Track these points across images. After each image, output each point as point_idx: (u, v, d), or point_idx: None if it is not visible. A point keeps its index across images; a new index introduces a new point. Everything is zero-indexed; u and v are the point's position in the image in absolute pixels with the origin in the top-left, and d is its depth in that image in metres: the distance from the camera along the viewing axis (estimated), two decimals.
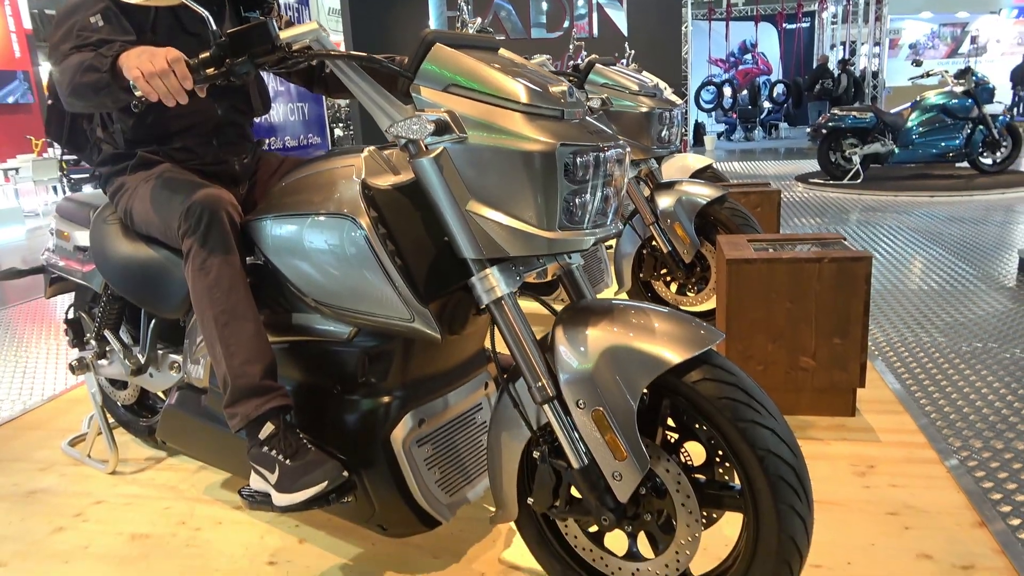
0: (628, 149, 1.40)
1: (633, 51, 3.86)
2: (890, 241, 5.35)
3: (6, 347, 3.83)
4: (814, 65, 15.79)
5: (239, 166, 1.89)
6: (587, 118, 1.41)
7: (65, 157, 11.22)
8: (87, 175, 10.65)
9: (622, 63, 3.83)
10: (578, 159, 1.29)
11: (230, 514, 2.01)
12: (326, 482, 1.45)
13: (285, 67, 1.43)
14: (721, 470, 1.37)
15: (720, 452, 1.35)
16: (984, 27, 17.53)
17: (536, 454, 1.43)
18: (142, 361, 2.00)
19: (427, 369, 1.63)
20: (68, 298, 2.38)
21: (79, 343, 2.33)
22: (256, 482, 1.55)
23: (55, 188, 10.75)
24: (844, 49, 16.49)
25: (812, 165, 9.68)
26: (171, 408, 1.94)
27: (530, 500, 1.47)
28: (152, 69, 1.33)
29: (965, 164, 7.86)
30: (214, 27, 1.34)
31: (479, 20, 3.03)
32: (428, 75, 1.37)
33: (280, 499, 1.47)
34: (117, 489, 2.18)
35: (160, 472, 2.27)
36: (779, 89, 16.01)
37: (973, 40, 17.47)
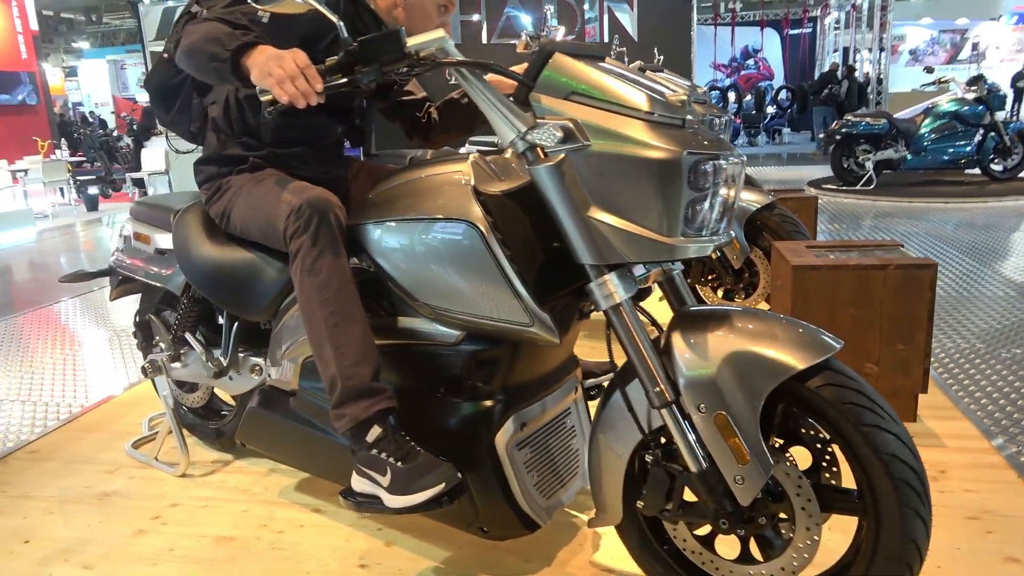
0: (744, 158, 1.43)
1: (662, 56, 3.89)
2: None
3: (48, 349, 3.83)
4: (821, 70, 15.88)
5: (340, 178, 1.92)
6: (700, 126, 1.43)
7: (71, 159, 11.20)
8: (93, 176, 10.63)
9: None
10: (700, 167, 1.32)
11: (310, 517, 2.02)
12: (443, 484, 1.46)
13: (409, 75, 1.45)
14: (828, 474, 1.39)
15: (827, 457, 1.37)
16: (984, 34, 17.67)
17: (649, 458, 1.45)
18: (224, 364, 2.01)
19: (527, 373, 1.65)
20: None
21: (148, 346, 2.34)
22: (361, 484, 1.56)
23: (62, 190, 10.72)
24: (849, 54, 16.58)
25: (819, 171, 9.75)
26: (255, 411, 1.95)
27: (639, 503, 1.48)
28: (283, 73, 1.35)
29: (976, 171, 7.93)
30: (345, 34, 1.35)
31: (562, 29, 3.05)
32: (549, 84, 1.39)
33: (393, 501, 1.48)
34: (190, 492, 2.19)
35: (231, 475, 2.28)
36: (784, 94, 16.10)
37: (973, 47, 17.60)
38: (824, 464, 1.38)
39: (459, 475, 1.50)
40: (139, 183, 10.28)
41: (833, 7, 16.65)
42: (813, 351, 1.29)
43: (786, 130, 16.71)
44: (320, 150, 1.89)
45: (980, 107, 7.46)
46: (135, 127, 12.52)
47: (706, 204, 1.34)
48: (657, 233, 1.33)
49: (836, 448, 1.35)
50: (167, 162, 9.29)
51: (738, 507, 1.37)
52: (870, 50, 19.07)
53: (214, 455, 2.39)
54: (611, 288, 1.38)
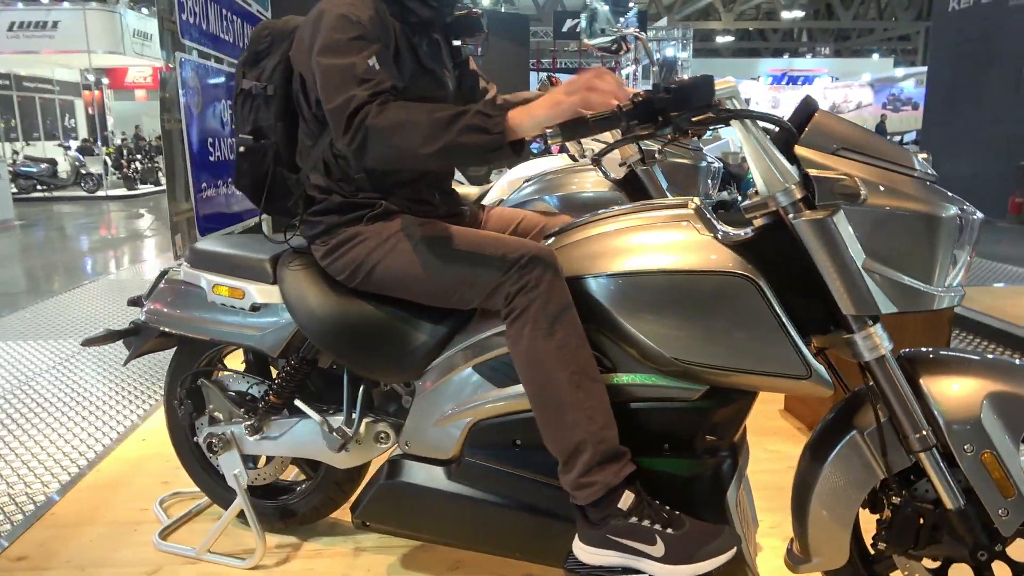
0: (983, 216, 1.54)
1: None
2: None
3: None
4: None
5: (462, 216, 1.78)
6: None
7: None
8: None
9: None
10: (965, 222, 1.41)
11: None
12: (733, 549, 1.40)
13: (702, 128, 1.40)
14: None
15: None
16: (747, 91, 20.33)
17: (896, 499, 1.50)
18: (350, 433, 1.76)
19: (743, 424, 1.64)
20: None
21: (196, 415, 1.97)
22: (604, 556, 1.45)
23: None
24: None
25: None
26: (392, 485, 1.72)
27: (881, 545, 1.53)
28: (609, 87, 1.32)
29: None
30: (615, 71, 1.29)
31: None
32: (815, 137, 1.42)
33: (671, 571, 1.39)
34: None
35: (312, 561, 1.97)
36: None
37: (745, 101, 20.20)
38: None
39: (740, 537, 1.45)
40: None
41: (627, 61, 18.27)
42: None
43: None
44: (437, 187, 1.76)
45: None
46: None
47: (963, 257, 1.44)
48: (925, 284, 1.40)
49: None
50: None
51: (997, 539, 1.46)
52: None
53: (273, 539, 2.06)
54: (877, 340, 1.42)
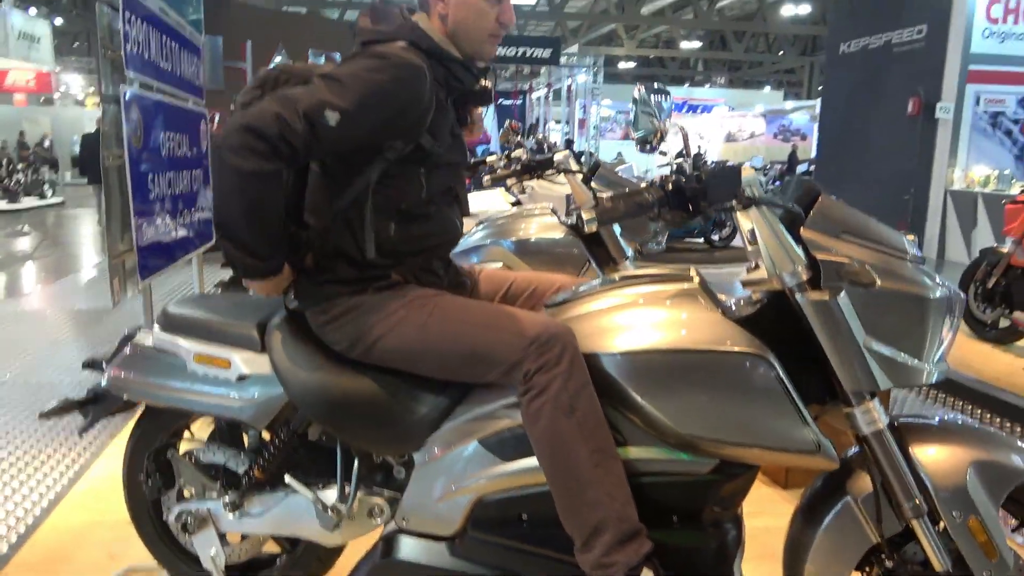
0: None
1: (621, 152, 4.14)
2: None
3: None
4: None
5: (465, 286, 1.76)
6: None
7: None
8: None
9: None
10: (955, 303, 1.52)
11: None
12: None
13: (720, 215, 1.43)
14: None
15: None
16: None
17: (889, 563, 1.58)
18: (344, 510, 1.69)
19: None
20: None
21: (163, 490, 1.85)
22: None
23: None
24: (538, 127, 18.48)
25: None
26: (390, 563, 1.66)
27: None
28: None
29: (700, 239, 9.41)
30: (687, 168, 1.31)
31: None
32: (820, 221, 1.49)
33: None
34: None
35: None
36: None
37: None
38: None
39: None
40: None
41: (539, 84, 18.66)
42: None
43: None
44: (444, 256, 1.74)
45: None
46: None
47: (949, 335, 1.54)
48: (917, 360, 1.49)
49: None
50: None
51: None
52: (557, 121, 21.54)
53: None
54: (875, 415, 1.50)
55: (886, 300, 1.47)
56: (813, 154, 15.78)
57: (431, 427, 1.64)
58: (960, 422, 1.68)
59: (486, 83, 1.75)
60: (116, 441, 3.03)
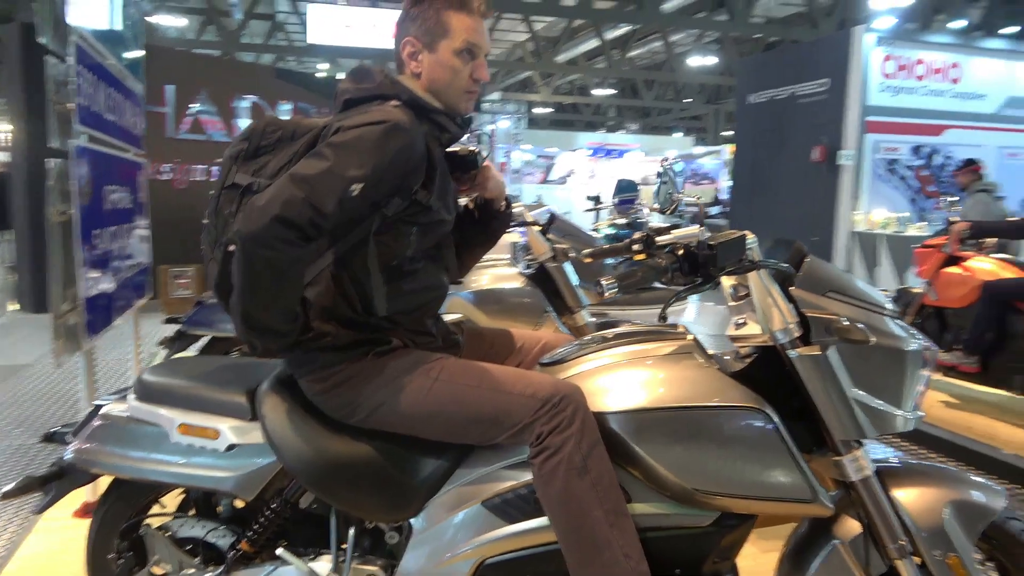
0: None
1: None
2: None
3: None
4: None
5: (459, 346, 1.76)
6: None
7: None
8: None
9: None
10: (931, 355, 1.63)
11: None
12: None
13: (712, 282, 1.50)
14: None
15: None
16: (566, 160, 21.55)
17: None
18: None
19: None
20: None
21: (135, 569, 1.74)
22: None
23: None
24: None
25: None
26: None
27: None
28: None
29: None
30: (703, 237, 1.37)
31: None
32: (808, 281, 1.58)
33: None
34: None
35: None
36: None
37: (569, 172, 21.33)
38: None
39: None
40: None
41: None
42: (999, 495, 1.66)
43: None
44: (434, 314, 1.75)
45: (630, 231, 9.18)
46: None
47: (925, 384, 1.64)
48: (897, 409, 1.59)
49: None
50: None
51: None
52: None
53: None
54: (863, 462, 1.59)
55: (870, 353, 1.56)
56: (723, 196, 16.58)
57: (431, 491, 1.63)
58: (931, 464, 1.78)
59: (474, 149, 1.78)
60: (50, 516, 2.82)
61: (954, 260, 4.56)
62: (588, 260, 1.98)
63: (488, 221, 1.89)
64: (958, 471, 1.74)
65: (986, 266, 4.39)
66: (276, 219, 1.39)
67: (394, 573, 1.65)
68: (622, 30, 18.25)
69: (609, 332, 1.78)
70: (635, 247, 1.68)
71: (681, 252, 1.46)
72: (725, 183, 19.25)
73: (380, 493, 1.60)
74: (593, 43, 18.35)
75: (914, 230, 9.37)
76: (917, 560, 1.60)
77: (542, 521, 1.55)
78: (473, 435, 1.56)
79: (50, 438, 1.82)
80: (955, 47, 9.75)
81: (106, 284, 2.87)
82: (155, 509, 1.84)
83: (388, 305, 1.60)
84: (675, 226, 1.70)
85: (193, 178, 8.49)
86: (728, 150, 19.50)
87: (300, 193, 1.42)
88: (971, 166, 7.21)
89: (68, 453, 1.74)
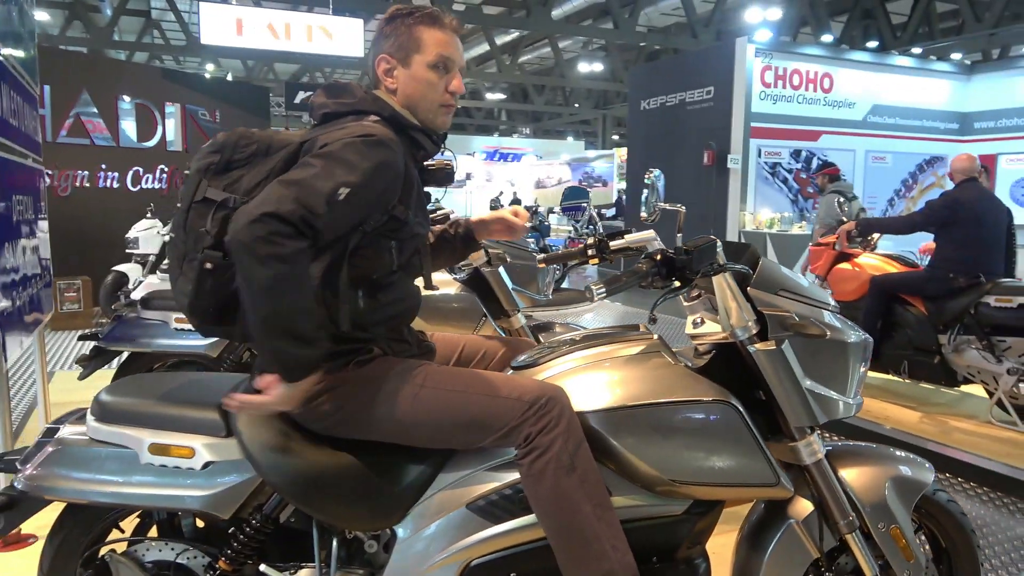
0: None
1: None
2: None
3: None
4: None
5: (433, 352, 1.78)
6: None
7: None
8: None
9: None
10: (865, 345, 1.79)
11: None
12: None
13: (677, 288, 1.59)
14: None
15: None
16: (462, 164, 21.67)
17: (829, 574, 1.80)
18: None
19: None
20: None
21: None
22: None
23: None
24: None
25: None
26: None
27: None
28: None
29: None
30: (655, 242, 1.46)
31: None
32: (763, 281, 1.71)
33: None
34: None
35: None
36: None
37: (468, 175, 21.43)
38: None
39: None
40: None
41: None
42: (928, 470, 1.85)
43: None
44: (410, 320, 1.77)
45: (536, 234, 9.35)
46: None
47: (864, 372, 1.80)
48: (847, 396, 1.74)
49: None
50: None
51: None
52: None
53: None
54: (816, 447, 1.73)
55: (818, 345, 1.70)
56: (614, 199, 17.12)
57: (414, 497, 1.64)
58: (867, 445, 1.95)
59: (447, 163, 1.81)
60: None
61: (845, 257, 4.94)
62: (542, 265, 2.03)
63: (468, 243, 1.97)
64: (890, 449, 1.92)
65: (873, 262, 4.79)
66: (269, 215, 1.37)
67: None
68: (512, 35, 18.51)
69: (577, 334, 1.85)
70: (589, 252, 1.76)
71: (659, 258, 1.55)
72: (617, 186, 19.90)
73: (364, 502, 1.60)
74: (483, 48, 18.51)
75: (796, 229, 10.05)
76: (864, 533, 1.76)
77: (527, 519, 1.59)
78: (459, 440, 1.58)
79: None
80: (827, 59, 10.49)
81: (17, 299, 2.67)
82: (114, 534, 1.76)
83: (366, 317, 1.61)
84: (627, 231, 1.80)
85: (76, 184, 7.99)
86: (618, 154, 20.17)
87: (290, 193, 1.41)
88: (826, 168, 7.67)
89: (18, 481, 1.63)
